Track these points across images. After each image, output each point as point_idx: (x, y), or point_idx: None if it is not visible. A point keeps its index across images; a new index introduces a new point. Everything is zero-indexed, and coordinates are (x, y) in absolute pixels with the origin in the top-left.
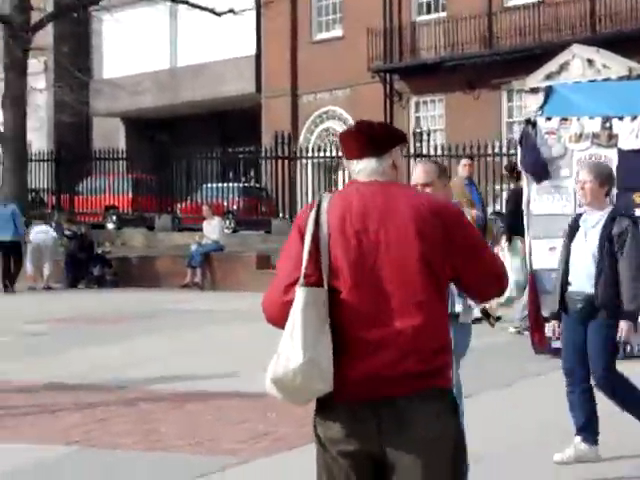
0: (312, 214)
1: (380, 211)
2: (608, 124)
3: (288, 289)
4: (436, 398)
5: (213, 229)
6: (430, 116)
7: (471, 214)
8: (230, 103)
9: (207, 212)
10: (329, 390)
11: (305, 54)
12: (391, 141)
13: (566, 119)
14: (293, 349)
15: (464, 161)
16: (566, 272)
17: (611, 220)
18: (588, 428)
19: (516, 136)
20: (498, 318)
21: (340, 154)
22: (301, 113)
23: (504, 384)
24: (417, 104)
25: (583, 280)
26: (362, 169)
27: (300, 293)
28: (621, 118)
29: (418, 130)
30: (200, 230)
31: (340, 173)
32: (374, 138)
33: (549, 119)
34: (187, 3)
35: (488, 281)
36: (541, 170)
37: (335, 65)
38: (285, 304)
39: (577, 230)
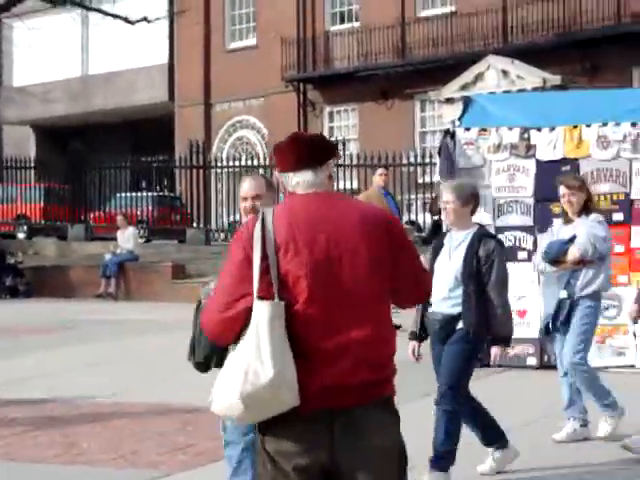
0: (257, 229)
1: (328, 222)
2: (526, 135)
3: (230, 306)
4: (386, 406)
5: (127, 239)
6: (344, 125)
7: None
8: (143, 112)
9: (121, 222)
10: (296, 403)
11: (218, 63)
12: (327, 153)
13: (485, 130)
14: (262, 364)
15: (380, 170)
16: None
17: (477, 240)
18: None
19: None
20: (397, 327)
21: (254, 163)
22: (214, 122)
23: (425, 394)
24: (331, 114)
25: (441, 301)
26: (300, 182)
27: (264, 307)
28: (539, 129)
29: (334, 139)
30: (114, 240)
31: None
32: (312, 150)
33: (468, 129)
34: (100, 11)
35: (419, 288)
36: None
37: (249, 74)
38: (225, 321)
39: (441, 249)
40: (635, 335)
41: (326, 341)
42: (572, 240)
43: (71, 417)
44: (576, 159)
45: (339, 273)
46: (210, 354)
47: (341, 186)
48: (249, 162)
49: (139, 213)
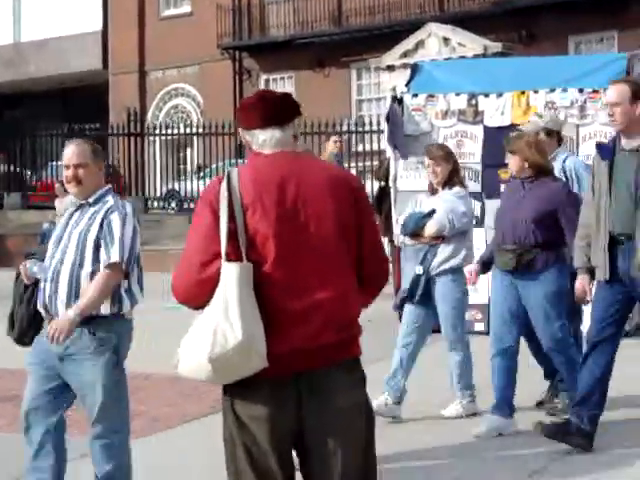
0: (223, 189)
1: (296, 181)
2: (474, 101)
3: (204, 266)
4: (353, 367)
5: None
6: None
7: None
8: (76, 79)
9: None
10: (264, 366)
11: (153, 30)
12: (293, 111)
13: (432, 96)
14: (231, 327)
15: (334, 138)
16: None
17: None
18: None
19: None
20: None
21: (195, 131)
22: (149, 90)
23: (377, 358)
24: (267, 81)
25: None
26: (267, 139)
27: (233, 269)
28: (487, 95)
29: None
30: (50, 208)
31: (189, 150)
32: (278, 107)
33: (415, 96)
34: None
35: (383, 261)
36: (404, 147)
37: (184, 42)
38: (203, 282)
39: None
40: None
41: (294, 302)
42: (432, 214)
43: (15, 383)
44: (524, 125)
45: (307, 233)
46: (27, 329)
47: None
48: (182, 130)
49: None
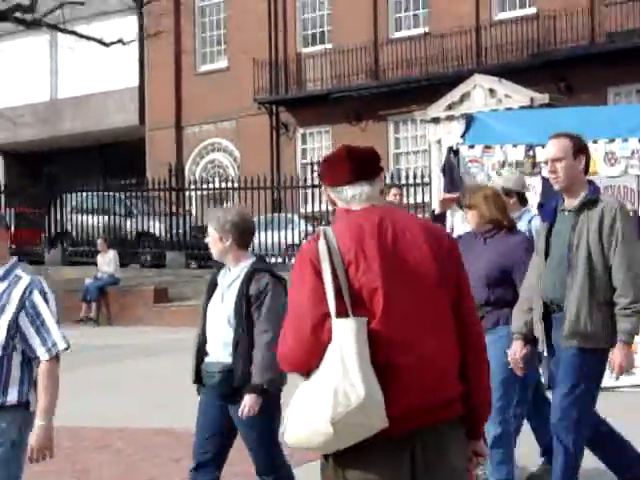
0: (322, 246)
1: (393, 233)
2: (531, 152)
3: (316, 329)
4: (460, 425)
5: (108, 262)
6: (317, 147)
7: None
8: (113, 135)
9: (102, 245)
10: (385, 426)
11: (189, 86)
12: (379, 165)
13: (489, 147)
14: (352, 385)
15: (394, 190)
16: (204, 339)
17: (249, 277)
18: None
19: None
20: None
21: (230, 185)
22: (186, 145)
23: None
24: (304, 135)
25: (219, 349)
26: (357, 195)
27: (348, 324)
28: (544, 146)
29: (308, 162)
30: (91, 264)
31: (225, 205)
32: (367, 162)
33: (472, 147)
34: (75, 33)
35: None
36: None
37: (220, 96)
38: (316, 345)
39: (215, 288)
40: None
41: (406, 357)
42: None
43: (77, 445)
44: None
45: (412, 284)
46: None
47: (316, 208)
48: (222, 184)
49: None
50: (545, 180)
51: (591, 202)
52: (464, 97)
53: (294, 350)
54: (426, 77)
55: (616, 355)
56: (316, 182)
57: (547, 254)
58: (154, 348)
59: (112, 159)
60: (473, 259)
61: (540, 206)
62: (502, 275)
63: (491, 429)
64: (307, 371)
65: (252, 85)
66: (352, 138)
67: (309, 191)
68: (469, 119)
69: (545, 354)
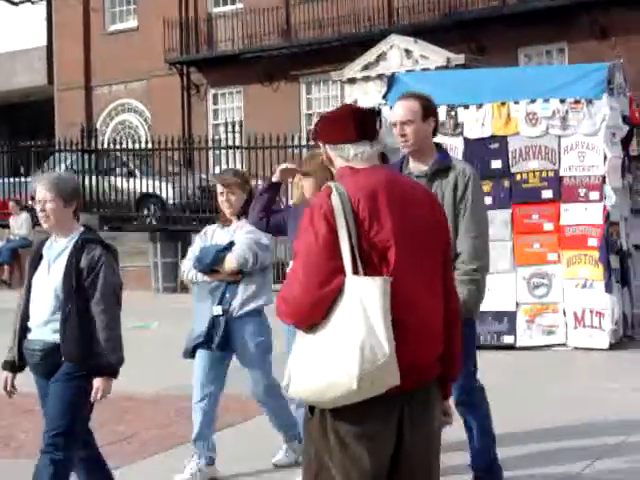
0: (337, 202)
1: (402, 195)
2: (453, 112)
3: (325, 284)
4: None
5: (20, 224)
6: (229, 108)
7: None
8: (21, 95)
9: (14, 208)
10: (396, 384)
11: (99, 45)
12: (378, 127)
13: None
14: (379, 343)
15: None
16: (26, 313)
17: (79, 249)
18: None
19: None
20: None
21: (143, 146)
22: (95, 106)
23: None
24: (215, 96)
25: (42, 325)
26: (359, 153)
27: (374, 283)
28: (467, 106)
29: (230, 121)
30: (2, 227)
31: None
32: (370, 121)
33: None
34: None
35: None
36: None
37: (130, 57)
38: (323, 299)
39: (40, 260)
40: (565, 313)
41: (412, 315)
42: (230, 247)
43: (0, 409)
44: (504, 136)
45: (418, 246)
46: None
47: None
48: (130, 146)
49: (21, 198)
50: (467, 140)
51: (445, 168)
52: (380, 57)
53: (300, 303)
54: (338, 37)
55: None
56: (230, 143)
57: None
58: None
59: (20, 120)
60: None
61: None
62: None
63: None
64: (311, 326)
65: (162, 45)
66: (264, 99)
67: (222, 152)
68: (391, 79)
69: None
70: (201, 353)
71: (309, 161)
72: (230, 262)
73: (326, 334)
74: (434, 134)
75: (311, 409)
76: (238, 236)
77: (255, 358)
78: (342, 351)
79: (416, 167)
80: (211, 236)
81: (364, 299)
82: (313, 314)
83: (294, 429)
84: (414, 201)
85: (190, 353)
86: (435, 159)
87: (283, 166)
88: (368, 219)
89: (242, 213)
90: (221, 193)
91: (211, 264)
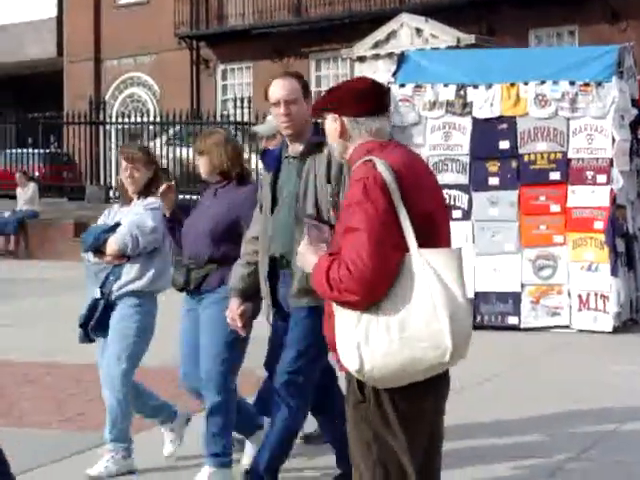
0: (387, 176)
1: (427, 170)
2: (462, 92)
3: (391, 256)
4: None
5: (29, 196)
6: (237, 84)
7: None
8: (30, 67)
9: (21, 179)
10: (464, 357)
11: (109, 18)
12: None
13: (420, 86)
14: (464, 313)
15: None
16: None
17: None
18: None
19: None
20: None
21: (152, 120)
22: (104, 79)
23: None
24: (224, 71)
25: None
26: (381, 128)
27: (455, 254)
28: (476, 86)
29: (239, 97)
30: (7, 197)
31: (145, 140)
32: (387, 96)
33: (403, 86)
34: None
35: None
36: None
37: (140, 30)
38: (392, 273)
39: None
40: (570, 295)
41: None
42: (115, 228)
43: (3, 379)
44: (513, 117)
45: (445, 219)
46: None
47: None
48: (139, 119)
49: (29, 170)
50: (476, 120)
51: (317, 145)
52: (390, 36)
53: (371, 279)
54: (349, 15)
55: None
56: (238, 119)
57: (275, 205)
58: (77, 282)
59: (28, 91)
60: (201, 211)
61: (262, 153)
62: (229, 230)
63: (209, 396)
64: (373, 301)
65: (172, 19)
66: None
67: (230, 127)
68: (401, 58)
69: (271, 315)
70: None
71: (205, 139)
72: (111, 245)
73: (398, 310)
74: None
75: (362, 392)
76: (126, 217)
77: (113, 341)
78: (428, 325)
79: (294, 149)
80: (113, 215)
81: (441, 271)
82: (382, 289)
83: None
84: (430, 174)
85: (84, 337)
86: (309, 137)
87: (160, 190)
88: (412, 192)
89: (144, 192)
90: (125, 169)
91: (92, 245)
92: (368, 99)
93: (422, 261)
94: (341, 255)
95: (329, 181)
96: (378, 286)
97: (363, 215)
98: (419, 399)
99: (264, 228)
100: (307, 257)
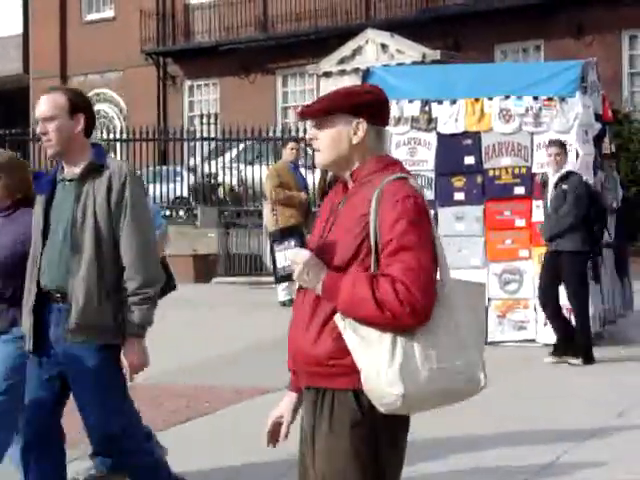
0: (423, 199)
1: None
2: (427, 108)
3: (434, 284)
4: None
5: None
6: (204, 100)
7: (301, 197)
8: None
9: None
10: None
11: (75, 35)
12: None
13: None
14: (479, 357)
15: (291, 144)
16: None
17: None
18: None
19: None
20: None
21: (118, 137)
22: None
23: None
24: (191, 88)
25: None
26: (388, 138)
27: (482, 289)
28: (440, 102)
29: (206, 113)
30: None
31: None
32: None
33: None
34: None
35: None
36: None
37: (107, 46)
38: (433, 300)
39: None
40: (535, 309)
41: None
42: None
43: None
44: (478, 132)
45: None
46: None
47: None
48: (105, 135)
49: None
50: (441, 136)
51: (97, 168)
52: (356, 52)
53: (429, 302)
54: (315, 30)
55: (126, 353)
56: (205, 135)
57: (47, 232)
58: None
59: None
60: None
61: (35, 176)
62: (20, 262)
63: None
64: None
65: (139, 35)
66: (240, 91)
67: (197, 144)
68: (366, 73)
69: (31, 352)
70: None
71: None
72: None
73: (435, 336)
74: (88, 134)
75: (361, 415)
76: None
77: None
78: (464, 357)
79: (70, 171)
80: None
81: (471, 302)
82: (430, 315)
83: None
84: None
85: None
86: (89, 160)
87: None
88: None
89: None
90: None
91: None
92: (388, 109)
93: (457, 289)
94: (394, 276)
95: (109, 206)
96: (431, 311)
97: (419, 235)
98: (406, 427)
99: (34, 256)
100: (315, 269)
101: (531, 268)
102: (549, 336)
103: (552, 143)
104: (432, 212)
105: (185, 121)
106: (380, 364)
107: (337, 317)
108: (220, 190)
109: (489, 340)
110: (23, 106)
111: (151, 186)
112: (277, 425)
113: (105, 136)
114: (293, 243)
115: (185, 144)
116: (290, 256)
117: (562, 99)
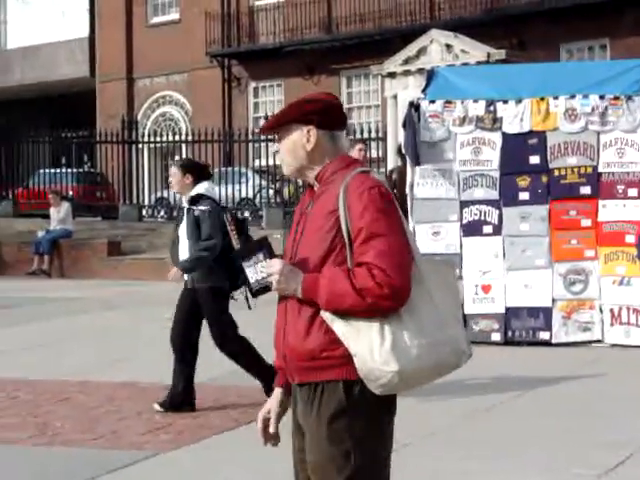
0: (389, 188)
1: None
2: (492, 107)
3: (411, 265)
4: None
5: (62, 215)
6: (269, 101)
7: None
8: (63, 87)
9: (54, 199)
10: None
11: (141, 38)
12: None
13: (450, 102)
14: (461, 329)
15: (359, 145)
16: None
17: None
18: None
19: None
20: None
21: (184, 138)
22: (137, 98)
23: None
24: (256, 89)
25: None
26: (344, 143)
27: (454, 268)
28: (506, 101)
29: (270, 114)
30: (42, 216)
31: (177, 158)
32: None
33: (432, 102)
34: None
35: None
36: (420, 154)
37: (172, 49)
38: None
39: None
40: (601, 310)
41: None
42: None
43: (38, 398)
44: (543, 132)
45: None
46: None
47: (270, 162)
48: (171, 138)
49: (62, 189)
50: (506, 135)
51: None
52: (421, 52)
53: (405, 284)
54: (379, 31)
55: None
56: (269, 136)
57: None
58: (110, 301)
59: (62, 111)
60: None
61: None
62: None
63: None
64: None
65: (204, 38)
66: (304, 92)
67: (262, 145)
68: (430, 74)
69: None
70: None
71: None
72: None
73: (419, 315)
74: None
75: (348, 403)
76: None
77: None
78: (447, 330)
79: None
80: None
81: (444, 279)
82: (409, 294)
83: None
84: None
85: None
86: None
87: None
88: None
89: None
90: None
91: None
92: (342, 113)
93: (429, 269)
94: (368, 262)
95: None
96: (409, 290)
97: (388, 221)
98: (392, 409)
99: None
100: (291, 275)
101: (597, 268)
102: (616, 336)
103: None
104: (496, 212)
105: (250, 122)
106: (372, 346)
107: (323, 311)
108: (285, 191)
109: (554, 341)
110: (90, 108)
111: (216, 188)
112: (267, 421)
113: (171, 138)
114: (261, 256)
115: (250, 145)
116: (265, 270)
117: (628, 98)
